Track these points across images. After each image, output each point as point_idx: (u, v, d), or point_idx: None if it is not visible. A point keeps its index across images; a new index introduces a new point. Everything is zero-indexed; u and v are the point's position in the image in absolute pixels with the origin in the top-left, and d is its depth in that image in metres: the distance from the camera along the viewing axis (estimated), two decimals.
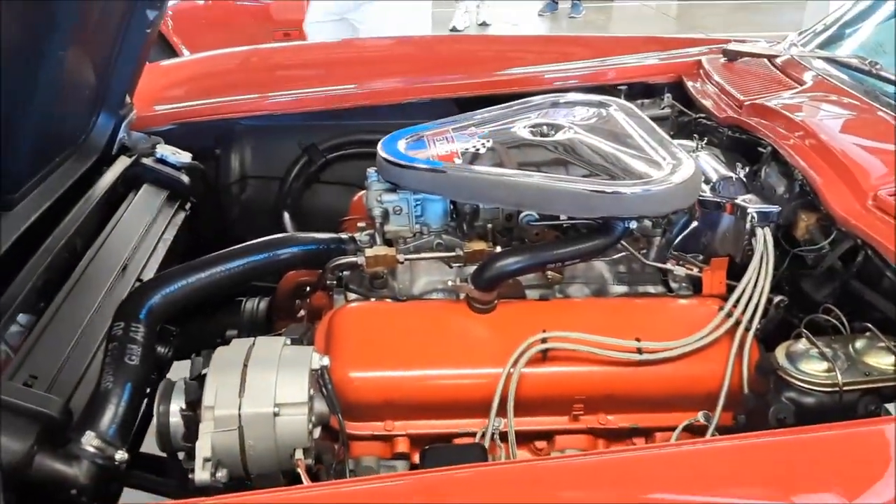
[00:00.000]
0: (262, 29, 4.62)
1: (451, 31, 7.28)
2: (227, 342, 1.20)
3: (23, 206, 1.38)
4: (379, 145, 1.48)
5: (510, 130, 1.52)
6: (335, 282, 1.46)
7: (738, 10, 7.99)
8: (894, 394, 1.06)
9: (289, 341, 1.18)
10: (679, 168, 1.31)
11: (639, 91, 2.07)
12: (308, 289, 1.57)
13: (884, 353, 1.14)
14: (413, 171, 1.39)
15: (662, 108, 1.99)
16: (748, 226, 1.35)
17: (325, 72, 2.35)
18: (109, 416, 1.09)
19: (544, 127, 1.50)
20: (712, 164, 1.52)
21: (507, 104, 1.69)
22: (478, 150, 1.44)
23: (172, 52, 4.41)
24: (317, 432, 1.14)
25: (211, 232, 1.91)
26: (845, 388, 1.09)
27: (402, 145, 1.47)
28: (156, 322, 1.24)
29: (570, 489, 0.92)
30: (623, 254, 1.44)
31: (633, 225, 1.32)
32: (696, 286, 1.43)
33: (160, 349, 1.44)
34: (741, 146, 1.62)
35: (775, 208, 1.36)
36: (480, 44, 3.29)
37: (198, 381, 1.11)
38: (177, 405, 1.11)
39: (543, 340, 1.25)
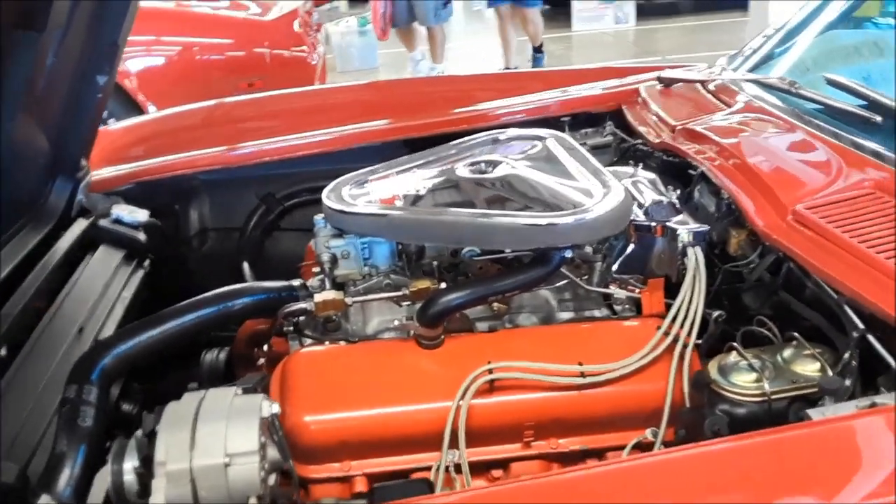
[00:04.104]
0: (228, 80, 4.70)
1: None
2: None
3: None
4: (324, 193, 1.53)
5: (451, 170, 1.57)
6: (291, 328, 1.50)
7: (692, 32, 8.20)
8: (819, 399, 1.11)
9: (240, 391, 1.21)
10: (609, 195, 1.37)
11: (582, 121, 2.14)
12: (265, 337, 1.60)
13: (809, 361, 1.19)
14: (355, 217, 1.44)
15: (605, 137, 2.06)
16: (679, 246, 1.40)
17: (284, 122, 2.41)
18: (65, 479, 1.11)
19: (483, 164, 1.56)
20: (646, 189, 1.58)
21: (450, 143, 1.75)
22: (418, 191, 1.49)
23: (139, 110, 4.46)
24: (272, 479, 1.16)
25: (173, 286, 1.94)
26: (773, 397, 1.14)
27: (346, 191, 1.52)
28: (109, 382, 1.27)
29: None
30: (566, 281, 1.49)
31: (569, 254, 1.37)
32: (638, 307, 1.48)
33: (126, 406, 1.47)
34: (675, 169, 1.69)
35: (704, 228, 1.41)
36: (437, 85, 3.38)
37: (149, 437, 1.14)
38: (130, 463, 1.13)
39: (489, 371, 1.29)
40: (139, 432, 1.17)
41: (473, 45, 8.62)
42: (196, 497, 1.09)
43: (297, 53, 4.82)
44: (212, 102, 2.66)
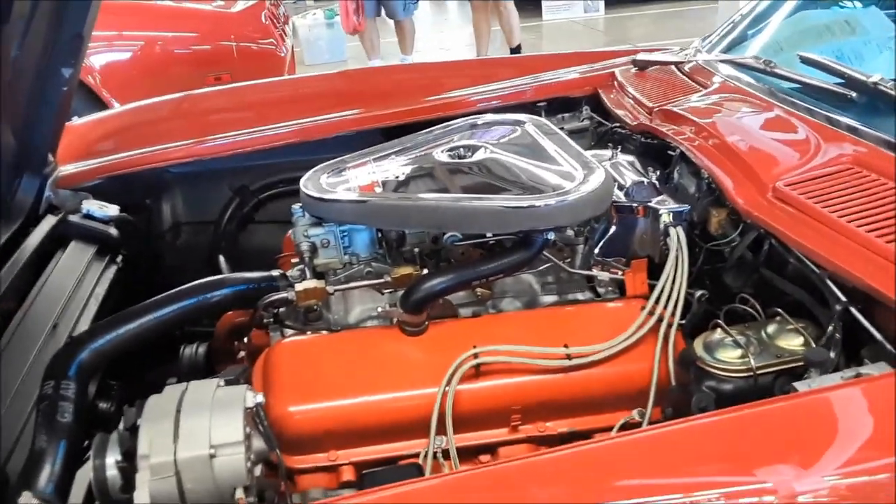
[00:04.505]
0: (194, 75, 4.62)
1: None
2: None
3: None
4: (301, 181, 1.50)
5: (429, 155, 1.56)
6: (272, 319, 1.48)
7: (662, 20, 8.26)
8: (804, 372, 1.12)
9: (222, 382, 1.19)
10: (590, 177, 1.36)
11: (559, 106, 2.13)
12: (245, 329, 1.58)
13: (793, 335, 1.20)
14: (335, 204, 1.42)
15: (582, 121, 2.06)
16: (662, 226, 1.40)
17: (255, 113, 2.37)
18: (46, 475, 1.08)
19: (461, 149, 1.54)
20: (626, 171, 1.58)
21: (427, 130, 1.74)
22: (398, 177, 1.47)
23: (103, 107, 4.37)
24: (257, 470, 1.14)
25: (146, 282, 1.90)
26: (759, 372, 1.15)
27: (324, 179, 1.50)
28: (87, 377, 1.24)
29: (518, 490, 0.93)
30: (549, 264, 1.48)
31: (551, 236, 1.36)
32: (621, 289, 1.48)
33: (102, 405, 1.44)
34: (654, 151, 1.69)
35: (685, 207, 1.42)
36: (410, 72, 3.35)
37: (132, 431, 1.11)
38: (112, 458, 1.10)
39: (475, 356, 1.28)
40: (121, 426, 1.15)
41: (440, 37, 8.60)
42: (181, 489, 1.07)
43: (266, 46, 4.74)
44: (179, 94, 2.61)
